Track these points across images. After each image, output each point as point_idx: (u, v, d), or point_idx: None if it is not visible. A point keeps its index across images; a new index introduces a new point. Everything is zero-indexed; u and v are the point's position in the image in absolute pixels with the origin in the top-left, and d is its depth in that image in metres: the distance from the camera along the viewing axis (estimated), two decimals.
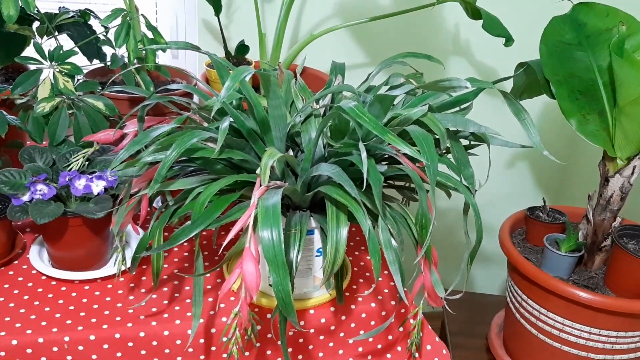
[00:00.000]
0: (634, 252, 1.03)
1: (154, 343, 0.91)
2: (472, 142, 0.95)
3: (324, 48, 1.51)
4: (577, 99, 1.04)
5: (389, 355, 1.03)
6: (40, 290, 0.97)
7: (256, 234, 0.71)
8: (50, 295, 0.96)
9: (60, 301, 0.95)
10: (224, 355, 0.95)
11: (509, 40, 1.26)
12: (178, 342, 0.92)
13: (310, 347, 0.99)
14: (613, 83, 1.04)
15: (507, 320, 1.23)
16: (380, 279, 1.06)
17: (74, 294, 0.97)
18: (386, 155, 0.90)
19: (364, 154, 0.70)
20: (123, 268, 0.96)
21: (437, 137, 0.84)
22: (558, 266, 1.09)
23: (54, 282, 0.99)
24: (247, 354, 0.96)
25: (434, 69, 1.52)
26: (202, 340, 0.93)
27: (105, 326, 0.90)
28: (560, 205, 1.26)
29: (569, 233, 1.09)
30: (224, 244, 0.70)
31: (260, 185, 0.74)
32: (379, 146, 0.77)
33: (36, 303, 0.94)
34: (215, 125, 0.88)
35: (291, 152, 0.88)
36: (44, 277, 1.00)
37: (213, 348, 0.94)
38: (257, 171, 0.81)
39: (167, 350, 0.92)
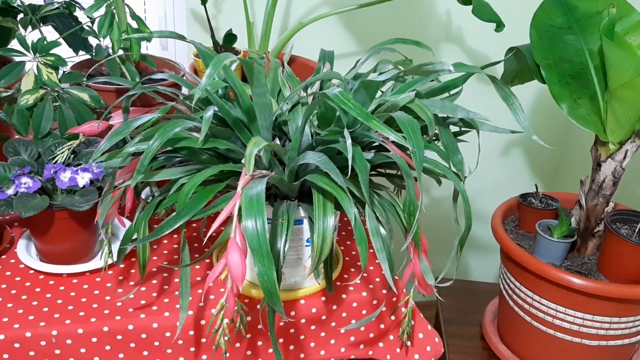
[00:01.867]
0: (627, 237, 1.02)
1: (143, 336, 0.91)
2: (462, 129, 0.94)
3: (313, 36, 1.49)
4: (568, 83, 1.03)
5: (381, 344, 1.02)
6: (28, 284, 0.96)
7: (241, 224, 0.70)
8: (38, 289, 0.95)
9: (48, 295, 0.94)
10: (213, 347, 0.94)
11: (499, 26, 1.24)
12: (167, 334, 0.91)
13: (302, 337, 0.99)
14: (604, 66, 1.02)
15: (500, 308, 1.23)
16: (371, 267, 1.06)
17: (62, 288, 0.96)
18: (375, 143, 0.89)
19: (348, 141, 0.69)
20: (110, 261, 0.95)
21: (425, 123, 0.83)
22: (551, 252, 1.08)
23: (42, 276, 0.98)
24: (237, 345, 0.96)
25: (425, 56, 1.50)
26: (191, 332, 0.93)
27: (93, 319, 0.90)
28: (554, 191, 1.25)
29: (562, 219, 1.08)
30: (208, 234, 0.69)
31: (246, 175, 0.73)
32: (366, 133, 0.76)
33: (24, 297, 0.93)
34: (200, 114, 0.87)
35: (278, 141, 0.87)
36: (31, 271, 0.99)
37: (203, 340, 0.94)
38: (243, 160, 0.80)
39: (156, 343, 0.92)
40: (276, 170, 0.85)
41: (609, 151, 1.04)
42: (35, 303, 0.92)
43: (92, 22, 1.13)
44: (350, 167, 0.71)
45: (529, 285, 1.08)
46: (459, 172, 0.88)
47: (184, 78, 1.00)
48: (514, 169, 1.81)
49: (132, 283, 0.98)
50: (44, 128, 0.98)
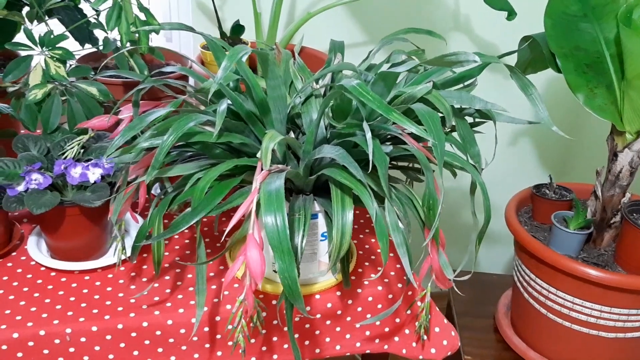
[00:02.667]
0: None
1: (158, 333, 0.90)
2: (477, 120, 0.93)
3: (321, 27, 1.47)
4: (584, 73, 1.01)
5: (396, 339, 1.01)
6: (39, 281, 0.95)
7: (259, 220, 0.69)
8: (50, 287, 0.94)
9: (61, 292, 0.93)
10: (230, 344, 0.93)
11: (511, 14, 1.23)
12: (182, 331, 0.90)
13: (317, 332, 0.98)
14: (621, 55, 1.00)
15: (515, 300, 1.22)
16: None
17: (74, 285, 0.95)
18: (389, 135, 0.87)
19: (368, 135, 0.68)
20: (123, 257, 0.94)
21: (441, 115, 0.81)
22: (567, 244, 1.07)
23: (53, 273, 0.97)
24: (253, 341, 0.95)
25: (435, 45, 1.48)
26: (206, 329, 0.92)
27: (107, 317, 0.89)
28: (566, 182, 1.23)
29: (578, 210, 1.07)
30: (226, 230, 0.68)
31: (262, 170, 0.72)
32: (383, 126, 0.75)
33: (36, 295, 0.92)
34: (212, 108, 0.85)
35: (292, 135, 0.86)
36: (43, 269, 0.98)
37: (218, 336, 0.93)
38: (258, 155, 0.79)
39: (171, 340, 0.91)
40: (291, 164, 0.84)
41: (626, 141, 1.03)
42: (48, 301, 0.91)
43: (98, 15, 1.11)
44: (369, 161, 0.70)
45: (545, 277, 1.07)
46: (477, 164, 0.87)
47: (193, 70, 0.98)
48: (522, 159, 1.80)
49: (144, 279, 0.97)
50: (53, 123, 0.96)
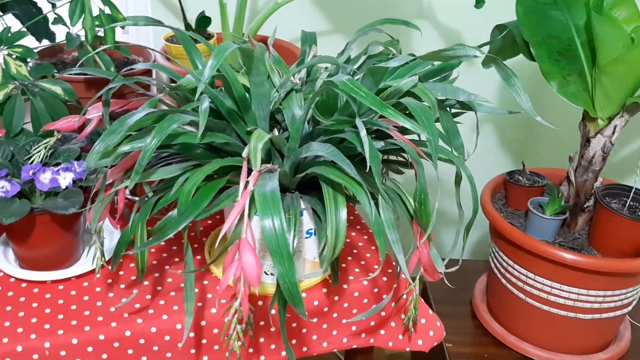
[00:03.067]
0: (618, 211, 1.03)
1: (142, 341, 0.86)
2: (456, 111, 0.92)
3: (285, 17, 1.44)
4: (557, 60, 1.02)
5: (382, 332, 1.01)
6: (10, 294, 0.90)
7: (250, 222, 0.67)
8: (22, 299, 0.89)
9: (35, 304, 0.88)
10: (216, 347, 0.90)
11: (479, 2, 1.23)
12: (167, 338, 0.87)
13: (304, 330, 0.96)
14: (591, 42, 1.02)
15: (492, 287, 1.23)
16: (368, 255, 1.04)
17: (48, 296, 0.90)
18: (374, 129, 0.86)
19: (363, 132, 0.66)
20: (100, 263, 0.89)
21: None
22: (543, 230, 1.09)
23: (24, 284, 0.92)
24: (239, 343, 0.93)
25: (405, 35, 1.48)
26: (192, 334, 0.89)
27: (87, 328, 0.85)
28: (537, 167, 1.25)
29: (554, 196, 1.09)
30: (220, 235, 0.65)
31: (251, 170, 0.69)
32: (372, 121, 0.73)
33: (8, 308, 0.87)
34: (190, 106, 0.82)
35: (276, 132, 0.83)
36: (12, 280, 0.93)
37: (204, 341, 0.90)
38: (243, 154, 0.76)
39: (155, 347, 0.87)
40: (276, 162, 0.82)
41: (598, 127, 1.05)
42: (21, 314, 0.86)
43: (54, 8, 1.05)
44: (356, 157, 0.69)
45: (523, 263, 1.09)
46: (460, 155, 0.87)
47: (169, 67, 0.94)
48: (484, 147, 1.81)
49: (122, 286, 0.93)
50: (16, 126, 0.91)
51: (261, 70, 0.73)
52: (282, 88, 0.87)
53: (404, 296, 0.97)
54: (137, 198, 1.05)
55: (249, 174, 0.72)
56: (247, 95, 0.82)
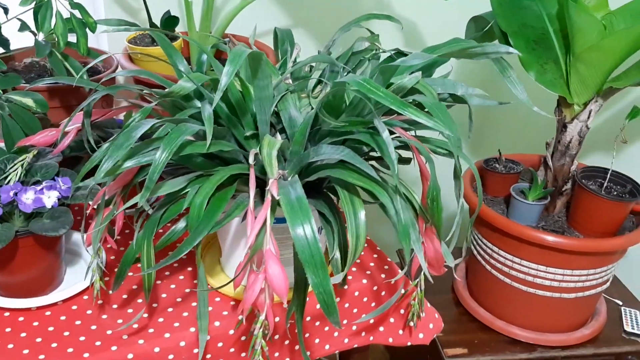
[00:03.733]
0: (597, 192, 1.07)
1: None
2: (448, 103, 0.93)
3: (245, 16, 1.40)
4: (534, 49, 1.05)
5: (381, 329, 1.00)
6: None
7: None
8: (8, 329, 0.82)
9: (23, 334, 0.82)
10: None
11: None
12: (170, 357, 0.83)
13: (307, 335, 0.94)
14: (564, 30, 1.05)
15: (475, 274, 1.25)
16: (362, 253, 1.03)
17: (35, 324, 0.84)
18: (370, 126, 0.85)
19: (385, 133, 0.65)
20: (89, 282, 0.84)
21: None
22: (526, 215, 1.12)
23: (7, 314, 0.85)
24: (243, 355, 0.90)
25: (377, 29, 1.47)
26: (195, 350, 0.85)
27: (86, 355, 0.79)
28: (511, 154, 1.28)
29: (535, 182, 1.12)
30: (248, 245, 0.63)
31: (259, 178, 0.67)
32: (390, 121, 0.72)
33: None
34: (185, 113, 0.78)
35: (278, 136, 0.81)
36: None
37: (208, 356, 0.86)
38: (250, 161, 0.73)
39: None
40: (279, 166, 0.79)
41: (574, 112, 1.08)
42: (11, 346, 0.80)
43: (6, 13, 0.97)
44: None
45: (509, 248, 1.11)
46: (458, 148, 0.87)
47: (142, 70, 0.89)
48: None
49: (115, 306, 0.88)
50: None
51: (267, 74, 0.70)
52: (276, 89, 0.84)
53: (402, 291, 0.97)
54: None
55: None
56: (243, 99, 0.79)
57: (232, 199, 0.76)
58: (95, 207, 0.78)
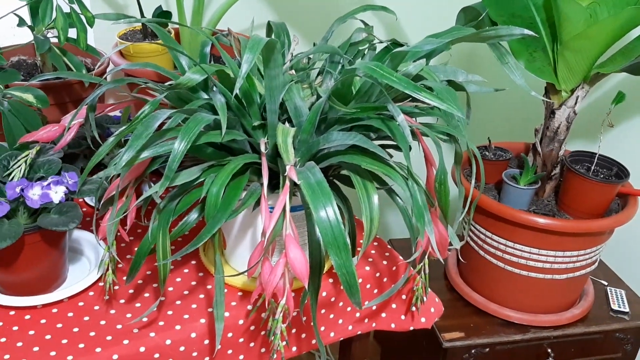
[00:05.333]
0: (586, 175, 1.11)
1: (156, 356, 0.82)
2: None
3: (232, 9, 1.40)
4: (524, 38, 1.07)
5: (383, 315, 1.02)
6: None
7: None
8: (15, 328, 0.82)
9: (31, 332, 0.81)
10: (230, 352, 0.88)
11: None
12: (182, 348, 0.84)
13: (312, 323, 0.95)
14: (550, 19, 1.08)
15: (469, 259, 1.28)
16: (361, 240, 1.04)
17: (43, 321, 0.83)
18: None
19: (400, 117, 0.66)
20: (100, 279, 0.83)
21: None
22: (518, 200, 1.15)
23: (12, 312, 0.84)
24: (252, 345, 0.90)
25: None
26: (206, 342, 0.85)
27: (98, 349, 0.79)
28: (498, 142, 1.31)
29: (527, 167, 1.15)
30: (267, 234, 0.63)
31: (287, 166, 0.67)
32: (403, 107, 0.74)
33: (2, 340, 0.79)
34: (195, 104, 0.78)
35: (287, 124, 0.82)
36: None
37: (218, 346, 0.87)
38: (262, 149, 0.74)
39: None
40: None
41: (562, 99, 1.12)
42: (20, 344, 0.79)
43: None
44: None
45: (502, 233, 1.14)
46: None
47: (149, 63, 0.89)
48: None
49: (122, 301, 0.87)
50: None
51: (278, 62, 0.71)
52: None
53: (407, 276, 0.99)
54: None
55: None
56: (250, 89, 0.80)
57: (248, 187, 0.77)
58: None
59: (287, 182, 0.66)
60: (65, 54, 0.91)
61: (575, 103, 1.11)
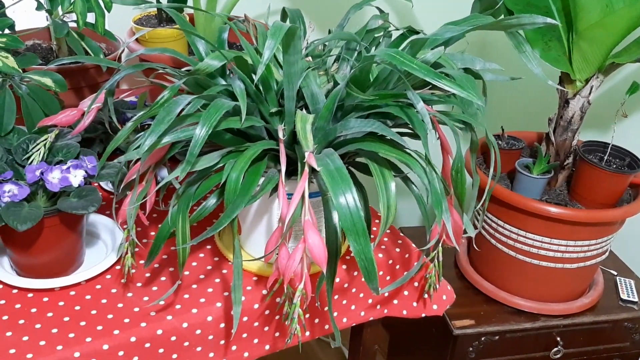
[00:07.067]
0: (600, 165, 1.11)
1: (173, 338, 0.83)
2: None
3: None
4: (540, 27, 1.07)
5: (395, 302, 1.03)
6: (18, 306, 0.83)
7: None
8: (33, 310, 0.83)
9: (50, 314, 0.82)
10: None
11: None
12: (198, 332, 0.85)
13: (326, 308, 0.96)
14: (566, 8, 1.08)
15: (480, 247, 1.28)
16: (374, 228, 1.05)
17: (61, 304, 0.84)
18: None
19: (420, 104, 0.67)
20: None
21: None
22: (531, 189, 1.15)
23: (30, 295, 0.85)
24: (266, 329, 0.91)
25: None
26: (222, 325, 0.87)
27: (116, 332, 0.80)
28: (511, 131, 1.31)
29: (540, 156, 1.15)
30: (286, 220, 0.64)
31: (306, 152, 0.68)
32: (423, 95, 0.74)
33: (21, 322, 0.81)
34: (213, 90, 0.79)
35: (304, 111, 0.82)
36: (15, 291, 0.86)
37: (233, 330, 0.88)
38: (280, 135, 0.75)
39: (186, 343, 0.85)
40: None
41: (576, 88, 1.12)
42: (38, 326, 0.80)
43: None
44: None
45: (514, 222, 1.15)
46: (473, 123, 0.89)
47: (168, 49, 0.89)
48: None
49: (139, 284, 0.88)
50: (8, 123, 0.83)
51: (298, 49, 0.71)
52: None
53: (421, 263, 0.99)
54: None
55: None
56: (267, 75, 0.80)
57: (267, 174, 0.77)
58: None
59: (306, 169, 0.66)
60: (83, 39, 0.92)
61: (590, 93, 1.11)
